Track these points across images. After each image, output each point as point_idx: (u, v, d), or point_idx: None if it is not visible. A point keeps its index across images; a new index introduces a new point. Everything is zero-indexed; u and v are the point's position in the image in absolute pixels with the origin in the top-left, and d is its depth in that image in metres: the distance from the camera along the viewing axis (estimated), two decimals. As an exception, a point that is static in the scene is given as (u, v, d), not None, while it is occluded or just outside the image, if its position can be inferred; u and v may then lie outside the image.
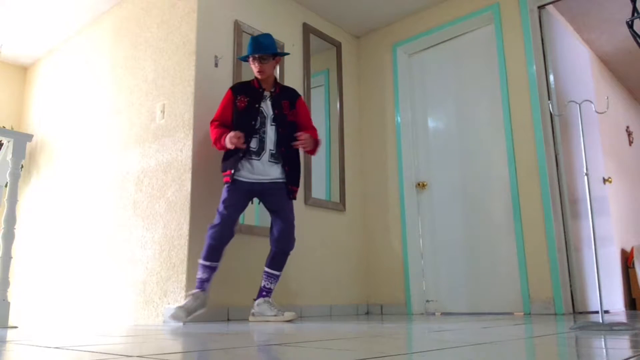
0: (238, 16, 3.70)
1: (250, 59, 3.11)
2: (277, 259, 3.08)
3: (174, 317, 2.76)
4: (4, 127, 4.87)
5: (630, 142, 6.00)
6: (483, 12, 3.98)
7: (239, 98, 3.08)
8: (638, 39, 3.05)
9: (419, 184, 4.22)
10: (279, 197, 3.07)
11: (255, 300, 3.07)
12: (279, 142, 3.08)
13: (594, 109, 2.56)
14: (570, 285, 3.42)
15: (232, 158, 3.01)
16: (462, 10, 4.11)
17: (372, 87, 4.58)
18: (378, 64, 4.57)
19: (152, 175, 3.50)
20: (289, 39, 4.07)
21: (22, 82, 5.26)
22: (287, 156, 3.10)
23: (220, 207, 2.97)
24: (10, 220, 2.81)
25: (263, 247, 3.53)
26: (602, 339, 1.57)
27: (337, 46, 4.53)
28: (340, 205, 4.21)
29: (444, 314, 3.90)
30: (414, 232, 4.14)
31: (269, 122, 3.09)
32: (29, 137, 3.04)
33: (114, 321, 3.42)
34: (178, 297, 3.09)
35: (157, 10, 3.80)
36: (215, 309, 3.17)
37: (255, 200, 3.16)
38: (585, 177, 2.24)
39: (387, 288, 4.17)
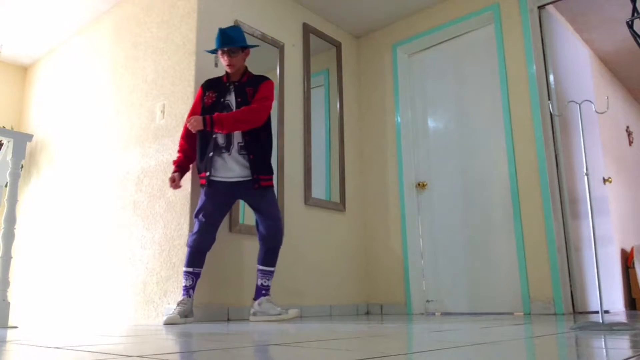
0: (238, 16, 3.70)
1: (220, 52, 3.07)
2: (269, 256, 3.05)
3: (170, 321, 2.75)
4: (4, 127, 4.88)
5: (630, 142, 6.00)
6: (483, 12, 3.98)
7: (207, 94, 3.09)
8: (638, 39, 3.06)
9: (419, 184, 4.22)
10: (255, 194, 3.01)
11: (255, 300, 3.06)
12: (244, 132, 3.01)
13: (594, 109, 2.56)
14: (570, 285, 3.42)
15: (205, 157, 2.99)
16: (462, 10, 4.11)
17: (372, 87, 4.58)
18: (378, 64, 4.57)
19: (152, 175, 3.50)
20: (289, 39, 4.07)
21: (22, 82, 5.26)
22: (251, 144, 3.01)
23: (199, 215, 2.94)
24: (10, 220, 2.81)
25: (263, 247, 3.54)
26: (602, 339, 1.57)
27: (337, 46, 4.53)
28: (340, 205, 4.21)
29: (444, 314, 3.90)
30: (414, 232, 4.14)
31: None
32: (29, 137, 3.03)
33: (114, 321, 3.42)
34: (178, 297, 3.09)
35: (157, 10, 3.80)
36: (216, 309, 3.17)
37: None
38: (585, 177, 2.24)
39: (387, 288, 4.17)
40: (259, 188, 2.98)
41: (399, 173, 4.24)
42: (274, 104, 3.29)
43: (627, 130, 5.99)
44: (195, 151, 3.10)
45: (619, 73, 5.87)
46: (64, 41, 4.76)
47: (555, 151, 3.60)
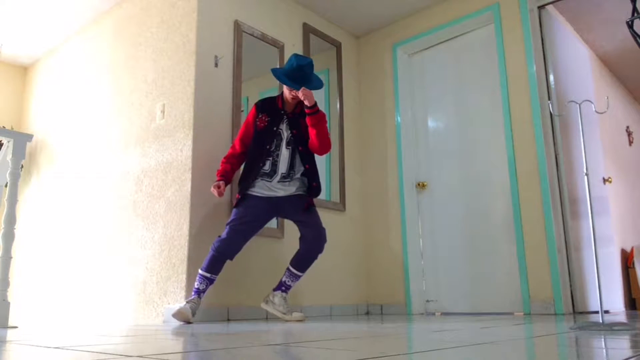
0: (238, 16, 3.70)
1: (289, 88, 3.01)
2: (305, 261, 3.04)
3: (181, 315, 2.77)
4: (4, 127, 4.88)
5: (630, 142, 6.00)
6: (483, 12, 3.98)
7: (259, 117, 3.07)
8: (638, 39, 3.06)
9: (419, 184, 4.22)
10: (299, 208, 3.04)
11: (274, 290, 3.09)
12: (295, 162, 3.06)
13: (594, 109, 2.56)
14: (570, 285, 3.42)
15: (245, 180, 3.03)
16: (462, 10, 4.11)
17: (372, 87, 4.58)
18: (378, 64, 4.57)
19: (152, 175, 3.50)
20: (289, 39, 4.07)
21: (22, 82, 5.26)
22: (311, 172, 3.09)
23: (235, 222, 2.94)
24: (10, 220, 2.81)
25: (263, 247, 3.54)
26: (602, 339, 1.57)
27: (337, 46, 4.53)
28: (340, 205, 4.21)
29: (444, 314, 3.90)
30: (414, 232, 4.14)
31: (284, 144, 3.06)
32: (29, 137, 3.03)
33: (114, 321, 3.42)
34: (178, 297, 3.09)
35: (157, 10, 3.80)
36: (216, 309, 3.17)
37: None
38: (585, 177, 2.24)
39: (387, 288, 4.17)
40: (307, 209, 3.04)
41: (399, 173, 4.24)
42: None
43: (627, 130, 5.99)
44: (234, 171, 3.14)
45: (619, 73, 5.87)
46: (64, 41, 4.76)
47: (555, 151, 3.60)
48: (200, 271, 2.93)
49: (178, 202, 3.26)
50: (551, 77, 3.70)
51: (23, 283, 4.50)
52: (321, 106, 4.31)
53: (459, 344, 1.42)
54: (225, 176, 3.07)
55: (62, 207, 4.29)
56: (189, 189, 3.21)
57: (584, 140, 2.27)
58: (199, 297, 2.89)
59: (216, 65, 3.48)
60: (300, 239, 3.07)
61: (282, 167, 3.04)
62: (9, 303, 2.73)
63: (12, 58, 5.08)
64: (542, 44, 3.75)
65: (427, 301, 4.05)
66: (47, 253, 4.33)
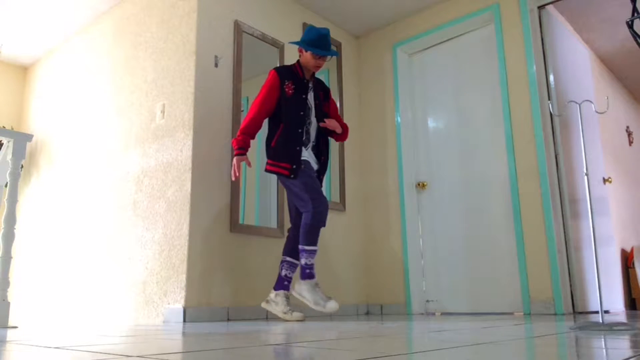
0: (238, 16, 3.70)
1: (313, 54, 3.08)
2: (297, 247, 3.04)
3: (316, 302, 2.88)
4: (4, 127, 4.88)
5: (630, 142, 6.00)
6: (483, 12, 3.98)
7: (286, 83, 3.08)
8: (638, 39, 3.06)
9: (419, 184, 4.22)
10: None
11: (274, 288, 3.09)
12: (318, 133, 3.15)
13: (594, 109, 2.56)
14: (570, 285, 3.42)
15: (286, 148, 2.98)
16: (462, 10, 4.11)
17: (372, 87, 4.58)
18: (378, 64, 4.57)
19: (152, 175, 3.50)
20: (289, 39, 4.07)
21: (22, 82, 5.26)
22: (323, 147, 3.17)
23: (309, 194, 2.92)
24: (10, 220, 2.81)
25: (263, 247, 3.54)
26: (602, 339, 1.57)
27: (337, 46, 4.53)
28: (340, 205, 4.21)
29: (444, 314, 3.90)
30: (414, 232, 4.14)
31: (312, 113, 3.14)
32: (29, 137, 3.03)
33: (114, 321, 3.42)
34: (178, 297, 3.09)
35: (157, 10, 3.80)
36: (216, 309, 3.17)
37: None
38: (585, 177, 2.24)
39: (387, 288, 4.17)
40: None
41: (399, 173, 4.23)
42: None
43: (627, 130, 5.99)
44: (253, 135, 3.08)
45: (619, 73, 5.87)
46: (64, 41, 4.76)
47: (555, 151, 3.60)
48: (307, 247, 2.92)
49: (178, 202, 3.26)
50: (551, 77, 3.70)
51: (23, 283, 4.50)
52: (321, 106, 4.31)
53: (459, 344, 1.42)
54: (246, 149, 3.02)
55: (62, 207, 4.29)
56: (189, 189, 3.21)
57: (584, 140, 2.27)
58: (313, 275, 2.95)
59: (216, 65, 3.48)
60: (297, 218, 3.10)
61: (312, 136, 3.12)
62: (9, 303, 2.73)
63: (12, 58, 5.08)
64: (542, 44, 3.74)
65: (427, 301, 4.05)
66: (47, 253, 4.33)
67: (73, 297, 3.92)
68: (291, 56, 4.05)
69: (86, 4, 4.20)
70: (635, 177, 5.88)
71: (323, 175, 3.20)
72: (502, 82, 3.80)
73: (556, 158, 3.59)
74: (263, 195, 3.77)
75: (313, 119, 3.13)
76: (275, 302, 3.04)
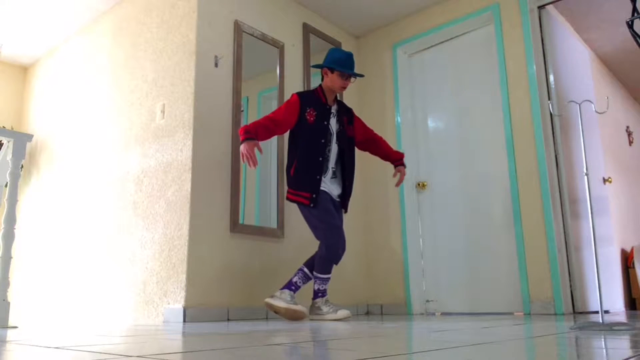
0: (238, 16, 3.70)
1: (340, 74, 3.09)
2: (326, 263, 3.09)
3: (327, 312, 2.99)
4: (4, 127, 4.87)
5: (630, 142, 6.00)
6: (483, 12, 3.98)
7: (308, 110, 3.07)
8: (638, 39, 3.06)
9: (419, 184, 4.22)
10: (339, 210, 3.17)
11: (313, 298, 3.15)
12: (339, 159, 3.14)
13: (594, 109, 2.56)
14: (570, 285, 3.42)
15: (307, 177, 3.00)
16: (462, 10, 4.11)
17: (372, 87, 4.58)
18: (378, 64, 4.57)
19: (152, 175, 3.50)
20: (289, 39, 4.07)
21: (22, 82, 5.26)
22: (347, 171, 3.16)
23: (323, 225, 2.98)
24: (10, 220, 2.81)
25: (263, 247, 3.54)
26: (602, 339, 1.57)
27: (337, 46, 4.52)
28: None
29: (444, 314, 3.90)
30: (414, 232, 4.14)
31: (333, 139, 3.13)
32: (29, 137, 3.03)
33: (114, 321, 3.42)
34: (178, 297, 3.09)
35: (157, 11, 3.80)
36: (216, 309, 3.17)
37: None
38: (585, 177, 2.24)
39: (387, 288, 4.17)
40: (345, 211, 3.21)
41: (399, 173, 4.23)
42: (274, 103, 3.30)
43: (627, 130, 5.99)
44: (266, 139, 3.06)
45: (619, 73, 5.87)
46: (64, 41, 4.76)
47: (555, 151, 3.60)
48: (322, 275, 3.02)
49: (178, 202, 3.26)
50: (551, 77, 3.70)
51: (23, 283, 4.50)
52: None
53: (459, 344, 1.42)
54: (257, 136, 2.91)
55: (62, 207, 4.29)
56: (189, 189, 3.21)
57: (584, 140, 2.26)
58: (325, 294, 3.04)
59: (216, 65, 3.48)
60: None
61: (332, 162, 3.11)
62: (9, 303, 2.73)
63: (12, 58, 5.08)
64: (542, 44, 3.74)
65: (427, 301, 4.05)
66: (47, 253, 4.33)
67: (73, 297, 3.92)
68: (291, 56, 4.05)
69: (86, 4, 4.20)
70: (635, 177, 5.88)
71: (348, 200, 3.19)
72: (502, 82, 3.80)
73: (556, 158, 3.59)
74: (263, 195, 3.77)
75: (334, 145, 3.12)
76: (280, 298, 3.03)
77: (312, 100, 3.10)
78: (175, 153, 3.37)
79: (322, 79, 3.18)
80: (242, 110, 3.64)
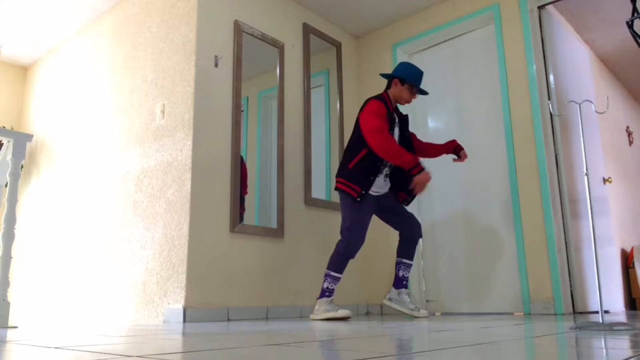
0: (238, 16, 3.70)
1: (410, 88, 3.24)
2: (412, 247, 3.26)
3: (345, 314, 3.02)
4: (4, 127, 4.88)
5: (630, 142, 6.00)
6: (483, 12, 3.98)
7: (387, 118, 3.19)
8: (638, 39, 3.06)
9: (419, 184, 4.21)
10: (392, 200, 3.29)
11: (395, 287, 3.27)
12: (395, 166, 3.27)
13: (594, 109, 2.56)
14: (570, 285, 3.42)
15: (363, 176, 3.12)
16: (462, 10, 4.10)
17: (372, 87, 4.57)
18: (378, 64, 4.57)
19: (152, 175, 3.50)
20: (289, 39, 4.07)
21: (22, 82, 5.26)
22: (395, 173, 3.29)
23: (353, 222, 3.10)
24: (10, 220, 2.81)
25: (263, 247, 3.54)
26: (602, 339, 1.57)
27: (337, 46, 4.53)
28: (340, 205, 4.20)
29: (444, 314, 3.90)
30: (414, 232, 4.14)
31: None
32: (29, 137, 3.03)
33: (114, 321, 3.42)
34: (178, 297, 3.09)
35: (157, 11, 3.80)
36: (216, 309, 3.17)
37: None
38: (585, 177, 2.24)
39: (387, 288, 4.16)
40: (402, 200, 3.33)
41: (399, 173, 4.23)
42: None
43: (627, 130, 5.99)
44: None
45: (619, 73, 5.87)
46: (64, 41, 4.76)
47: (555, 151, 3.60)
48: (332, 273, 3.10)
49: (178, 202, 3.26)
50: (551, 77, 3.70)
51: (23, 283, 4.50)
52: (321, 106, 4.32)
53: (459, 344, 1.42)
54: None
55: (62, 207, 4.29)
56: (189, 189, 3.21)
57: (584, 140, 2.26)
58: (332, 294, 3.11)
59: (216, 65, 3.49)
60: (402, 229, 3.28)
61: (388, 166, 3.24)
62: (9, 303, 2.73)
63: (12, 58, 5.09)
64: (542, 44, 3.74)
65: (427, 301, 4.04)
66: (47, 253, 4.33)
67: (73, 297, 3.92)
68: (291, 56, 4.05)
69: (86, 4, 4.20)
70: (635, 177, 5.88)
71: (404, 193, 3.27)
72: (502, 82, 3.80)
73: (556, 158, 3.59)
74: (263, 195, 3.77)
75: None
76: (400, 301, 3.20)
77: (385, 107, 3.21)
78: (175, 153, 3.37)
79: (388, 87, 3.29)
80: (242, 110, 3.64)
